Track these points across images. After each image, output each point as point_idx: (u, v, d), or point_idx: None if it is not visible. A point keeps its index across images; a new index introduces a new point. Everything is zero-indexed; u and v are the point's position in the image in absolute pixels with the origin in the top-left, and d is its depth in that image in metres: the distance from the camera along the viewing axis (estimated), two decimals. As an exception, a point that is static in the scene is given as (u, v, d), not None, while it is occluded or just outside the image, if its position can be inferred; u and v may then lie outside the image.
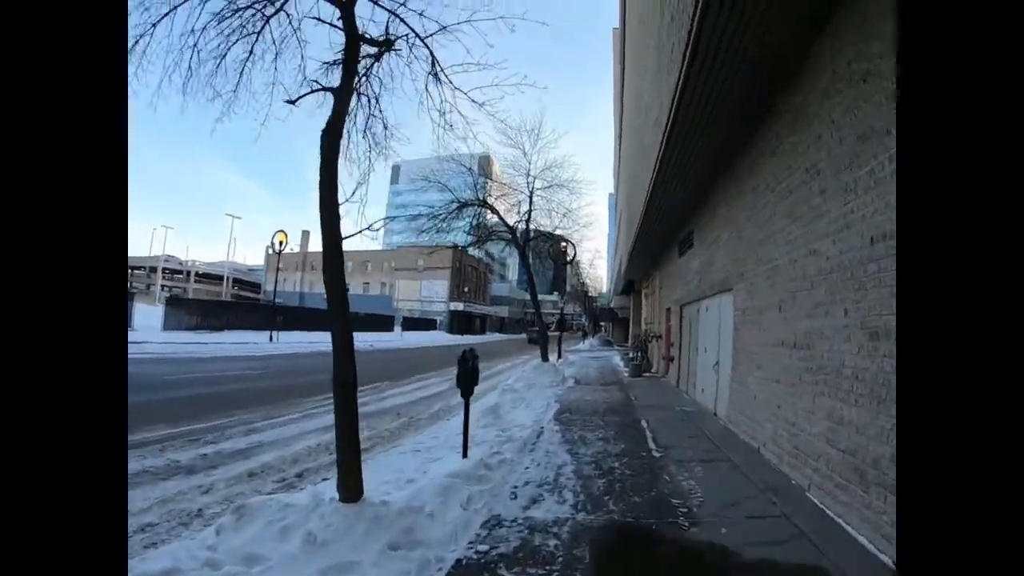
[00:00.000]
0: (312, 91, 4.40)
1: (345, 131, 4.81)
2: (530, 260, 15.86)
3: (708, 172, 7.99)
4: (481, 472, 4.84)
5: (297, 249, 77.33)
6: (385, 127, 5.14)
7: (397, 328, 49.31)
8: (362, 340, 33.29)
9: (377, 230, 4.32)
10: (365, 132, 5.06)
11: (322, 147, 3.91)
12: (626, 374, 15.05)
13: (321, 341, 29.43)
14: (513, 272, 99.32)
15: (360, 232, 4.28)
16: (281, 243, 29.57)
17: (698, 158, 7.39)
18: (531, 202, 15.59)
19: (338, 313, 3.82)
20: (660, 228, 11.85)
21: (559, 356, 18.76)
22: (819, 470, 4.12)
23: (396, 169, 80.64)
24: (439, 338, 46.58)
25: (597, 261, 72.04)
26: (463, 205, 15.01)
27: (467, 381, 5.27)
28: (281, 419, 7.96)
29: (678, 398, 10.33)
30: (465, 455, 5.26)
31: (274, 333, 28.31)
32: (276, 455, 6.04)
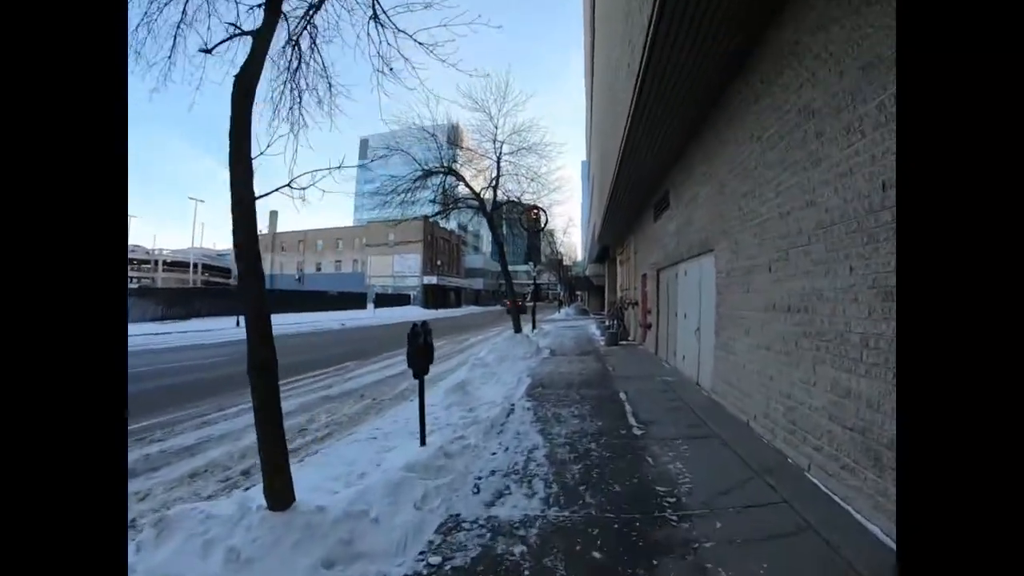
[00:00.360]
0: (230, 36, 3.86)
1: (282, 86, 4.44)
2: (501, 229, 15.16)
3: (685, 125, 7.38)
4: (440, 462, 4.26)
5: (265, 231, 75.53)
6: (330, 85, 4.65)
7: (370, 305, 48.27)
8: (334, 319, 32.95)
9: (303, 189, 3.58)
10: (292, 83, 4.49)
11: (234, 95, 3.19)
12: (602, 343, 14.65)
13: (287, 323, 28.72)
14: (487, 244, 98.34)
15: (279, 190, 3.53)
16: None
17: (673, 109, 6.75)
18: (499, 168, 14.81)
19: (251, 285, 3.12)
20: (634, 191, 11.26)
21: (533, 327, 18.27)
22: (821, 449, 3.65)
23: (364, 143, 78.09)
24: (413, 313, 45.75)
25: (571, 229, 71.52)
26: (427, 174, 14.19)
27: (419, 360, 4.64)
28: (233, 410, 7.25)
29: (658, 367, 9.92)
30: (423, 443, 4.67)
31: (240, 318, 27.32)
32: (224, 451, 5.41)
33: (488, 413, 6.28)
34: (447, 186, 15.05)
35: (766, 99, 4.85)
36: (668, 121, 7.25)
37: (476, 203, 14.61)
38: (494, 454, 4.65)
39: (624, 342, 14.63)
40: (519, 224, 19.42)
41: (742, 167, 5.57)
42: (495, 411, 6.37)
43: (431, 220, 15.11)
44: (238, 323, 26.42)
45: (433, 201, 15.11)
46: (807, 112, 4.03)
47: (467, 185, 14.72)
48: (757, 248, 5.12)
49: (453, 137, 16.66)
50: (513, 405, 6.71)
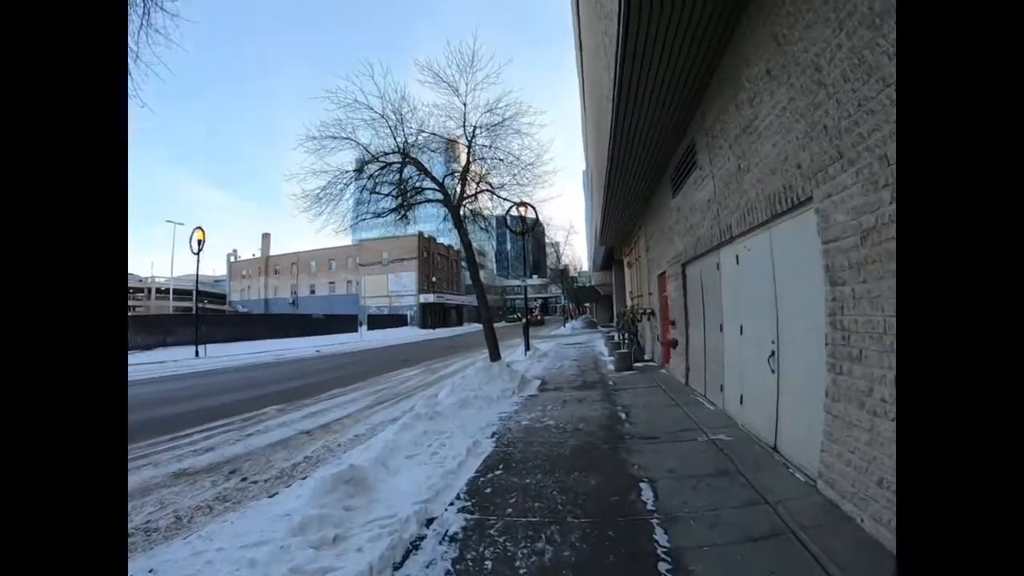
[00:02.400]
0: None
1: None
2: (468, 225, 11.80)
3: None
4: None
5: (258, 253, 73.24)
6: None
7: (361, 328, 45.16)
8: (313, 345, 29.59)
9: None
10: None
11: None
12: (611, 366, 11.18)
13: (258, 351, 25.65)
14: (492, 260, 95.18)
15: None
16: (200, 241, 25.03)
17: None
18: (469, 152, 11.49)
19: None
20: (641, 147, 7.87)
21: (527, 348, 14.85)
22: None
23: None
24: (407, 335, 42.47)
25: (572, 238, 68.20)
26: (363, 164, 11.02)
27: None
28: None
29: (695, 409, 6.44)
30: None
31: (200, 347, 24.26)
32: None
33: (361, 562, 2.88)
34: (405, 177, 11.72)
35: None
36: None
37: (438, 192, 11.28)
38: None
39: (640, 363, 11.17)
40: (507, 225, 16.11)
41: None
42: (380, 550, 2.97)
43: (397, 219, 11.47)
44: (197, 353, 23.39)
45: (393, 196, 11.79)
46: None
47: (426, 173, 11.40)
48: None
49: (404, 114, 13.02)
50: (427, 529, 3.30)
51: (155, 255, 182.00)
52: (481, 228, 11.92)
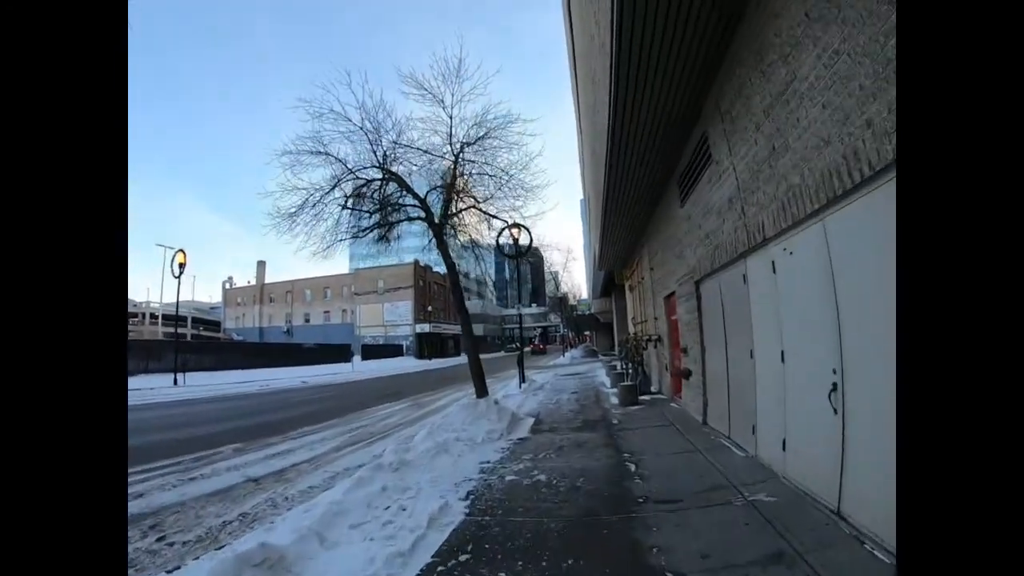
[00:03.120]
0: None
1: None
2: (451, 242, 10.71)
3: None
4: None
5: (253, 281, 72.45)
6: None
7: (355, 358, 43.81)
8: (301, 376, 28.21)
9: None
10: None
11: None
12: (614, 400, 9.93)
13: (243, 381, 24.33)
14: (491, 289, 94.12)
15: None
16: (181, 265, 23.96)
17: None
18: (455, 167, 10.48)
19: None
20: (644, 149, 6.85)
21: (522, 380, 13.59)
22: None
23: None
24: (401, 365, 40.98)
25: (571, 264, 67.46)
26: (335, 182, 10.05)
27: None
28: None
29: (720, 456, 5.21)
30: None
31: (181, 376, 23.03)
32: None
33: None
34: (387, 194, 10.68)
35: None
36: None
37: (420, 209, 10.22)
38: None
39: (646, 396, 9.93)
40: (500, 249, 15.06)
41: None
42: None
43: (377, 239, 10.32)
44: (176, 381, 22.09)
45: (370, 213, 10.72)
46: None
47: (407, 189, 10.35)
48: None
49: (384, 125, 11.94)
50: None
51: (152, 280, 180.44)
52: (463, 246, 10.79)
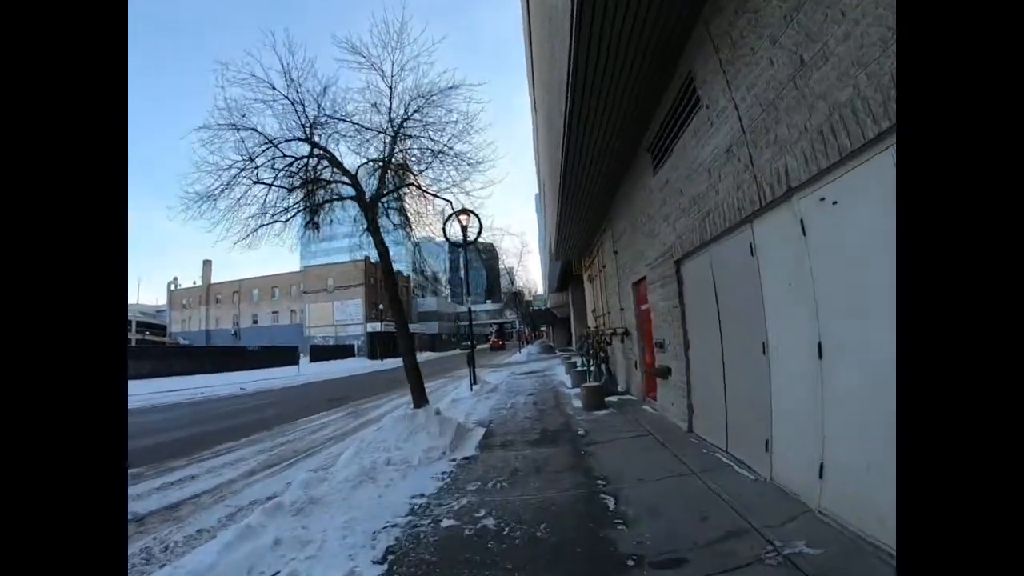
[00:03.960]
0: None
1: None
2: (383, 222, 9.20)
3: None
4: None
5: (199, 281, 68.28)
6: None
7: (303, 360, 41.39)
8: (242, 380, 25.81)
9: None
10: None
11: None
12: (577, 404, 8.72)
13: (175, 389, 21.84)
14: (445, 285, 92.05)
15: None
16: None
17: None
18: (395, 142, 8.97)
19: None
20: (606, 119, 5.65)
21: (474, 381, 12.23)
22: None
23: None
24: (350, 367, 38.77)
25: (527, 257, 66.38)
26: (263, 148, 8.39)
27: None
28: None
29: (722, 480, 4.03)
30: None
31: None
32: None
33: None
34: (312, 167, 9.06)
35: None
36: None
37: (349, 185, 8.69)
38: None
39: (613, 397, 8.78)
40: (444, 236, 13.61)
41: None
42: None
43: (304, 223, 8.60)
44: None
45: (290, 189, 9.06)
46: None
47: (337, 165, 8.81)
48: None
49: (310, 92, 10.25)
50: None
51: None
52: (395, 226, 9.26)
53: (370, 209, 8.46)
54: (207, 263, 69.26)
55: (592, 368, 10.48)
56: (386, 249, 8.16)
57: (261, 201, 8.90)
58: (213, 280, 67.29)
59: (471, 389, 11.45)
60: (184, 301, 67.39)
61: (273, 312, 61.40)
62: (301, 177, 8.88)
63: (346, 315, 55.26)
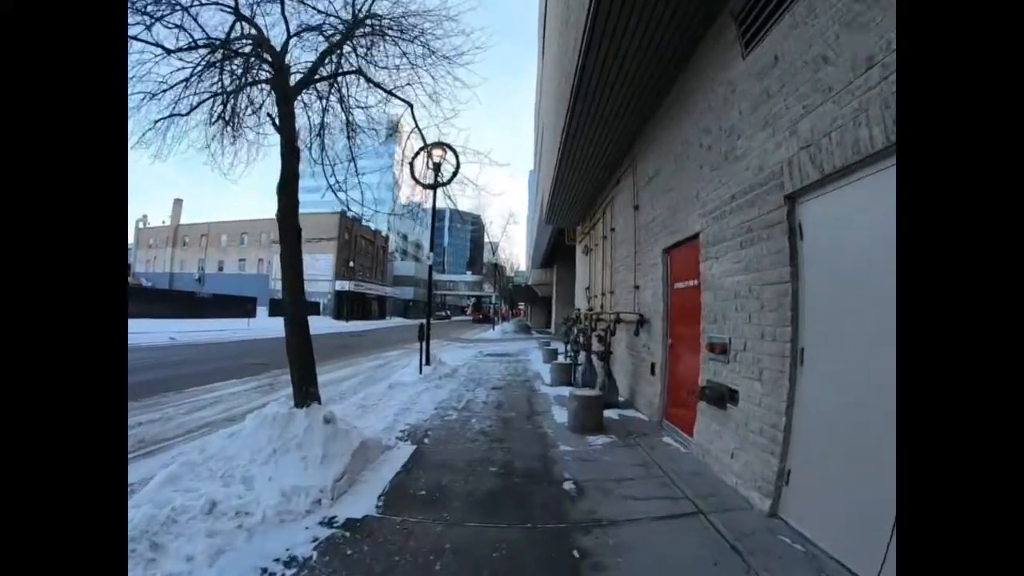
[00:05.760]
0: None
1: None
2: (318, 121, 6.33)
3: None
4: None
5: (168, 221, 63.86)
6: None
7: (260, 311, 38.34)
8: (182, 330, 22.57)
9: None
10: None
11: None
12: (559, 418, 6.06)
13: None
14: (427, 253, 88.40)
15: None
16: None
17: None
18: (352, 33, 5.96)
19: None
20: None
21: (426, 361, 9.50)
22: None
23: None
24: (315, 325, 35.69)
25: (511, 228, 63.36)
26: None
27: None
28: None
29: None
30: None
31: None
32: None
33: None
34: (229, 40, 6.00)
35: None
36: None
37: (268, 64, 5.74)
38: None
39: (613, 412, 6.12)
40: (412, 176, 10.63)
41: None
42: None
43: (214, 119, 5.31)
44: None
45: (214, 64, 6.03)
46: None
47: (263, 43, 5.79)
48: None
49: None
50: None
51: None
52: (337, 130, 6.36)
53: (288, 90, 5.54)
54: (178, 202, 65.48)
55: (582, 363, 7.83)
56: (297, 149, 5.25)
57: (162, 86, 5.90)
58: (182, 221, 63.20)
59: (419, 373, 8.72)
60: (151, 241, 63.51)
61: (240, 260, 57.65)
62: (207, 42, 5.85)
63: (316, 270, 51.61)
